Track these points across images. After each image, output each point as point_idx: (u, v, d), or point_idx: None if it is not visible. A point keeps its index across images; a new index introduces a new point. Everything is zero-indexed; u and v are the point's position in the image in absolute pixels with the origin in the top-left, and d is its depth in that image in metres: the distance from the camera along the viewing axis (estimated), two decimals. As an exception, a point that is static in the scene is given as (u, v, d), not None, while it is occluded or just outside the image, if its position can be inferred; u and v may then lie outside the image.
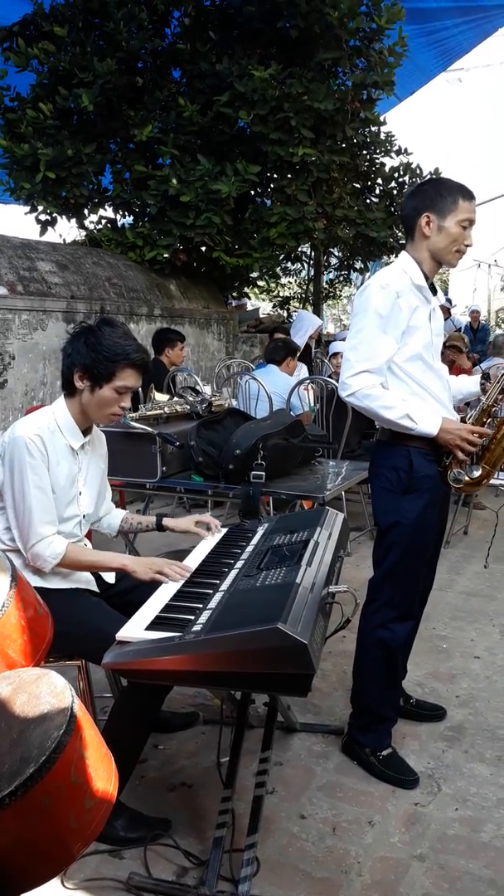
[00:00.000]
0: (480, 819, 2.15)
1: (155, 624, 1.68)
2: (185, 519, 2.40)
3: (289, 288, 12.04)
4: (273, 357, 5.10)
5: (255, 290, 10.35)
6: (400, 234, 8.11)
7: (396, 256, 2.87)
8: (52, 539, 1.99)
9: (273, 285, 11.23)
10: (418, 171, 8.05)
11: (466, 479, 2.31)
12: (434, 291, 2.33)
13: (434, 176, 7.57)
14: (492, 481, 2.42)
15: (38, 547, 1.97)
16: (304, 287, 11.47)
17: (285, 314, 11.35)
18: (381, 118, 7.42)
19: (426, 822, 2.13)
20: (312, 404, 5.26)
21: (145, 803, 2.14)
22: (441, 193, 2.21)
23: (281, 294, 11.83)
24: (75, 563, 2.04)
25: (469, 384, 2.51)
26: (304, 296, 11.47)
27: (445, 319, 8.59)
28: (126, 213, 7.55)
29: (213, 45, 6.77)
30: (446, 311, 9.27)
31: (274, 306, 11.74)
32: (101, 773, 1.18)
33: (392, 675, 2.40)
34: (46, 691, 1.17)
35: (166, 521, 2.37)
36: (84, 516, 2.20)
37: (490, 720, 2.69)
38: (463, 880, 1.91)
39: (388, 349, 2.19)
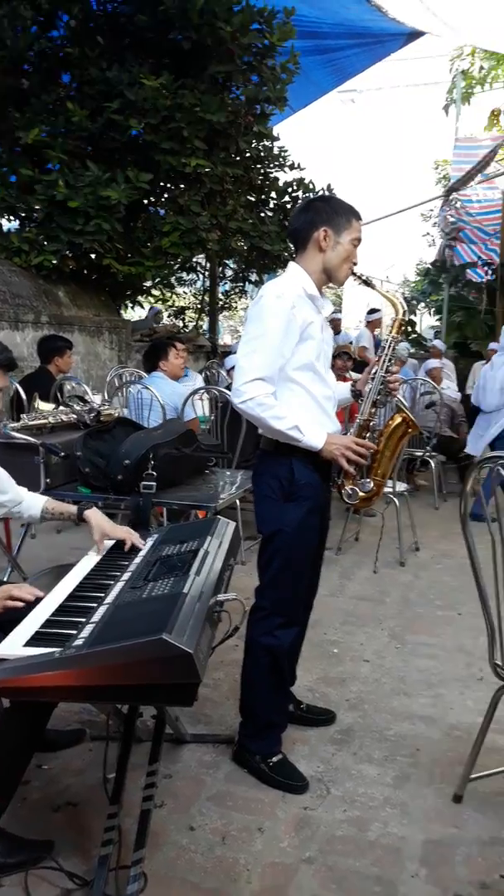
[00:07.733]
0: (367, 818, 2.20)
1: (35, 640, 1.62)
2: (106, 525, 2.23)
3: (184, 298, 12.02)
4: (147, 367, 4.95)
5: (150, 299, 10.26)
6: (294, 248, 8.27)
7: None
8: None
9: (168, 295, 11.18)
10: (311, 187, 8.26)
11: (361, 494, 2.38)
12: None
13: (326, 193, 7.79)
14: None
15: None
16: (200, 297, 11.49)
17: (181, 324, 11.31)
18: (275, 133, 7.57)
19: (315, 825, 2.16)
20: (207, 414, 5.26)
21: (28, 826, 2.05)
22: (337, 211, 2.29)
23: (176, 304, 11.80)
24: None
25: (342, 389, 2.56)
26: (199, 306, 11.49)
27: (336, 333, 8.85)
28: (11, 218, 7.32)
29: (103, 51, 6.69)
30: (337, 324, 9.51)
31: (168, 316, 11.68)
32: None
33: (279, 681, 2.42)
34: None
35: (87, 514, 2.23)
36: None
37: (378, 721, 2.76)
38: (350, 879, 1.94)
39: (282, 358, 2.22)
